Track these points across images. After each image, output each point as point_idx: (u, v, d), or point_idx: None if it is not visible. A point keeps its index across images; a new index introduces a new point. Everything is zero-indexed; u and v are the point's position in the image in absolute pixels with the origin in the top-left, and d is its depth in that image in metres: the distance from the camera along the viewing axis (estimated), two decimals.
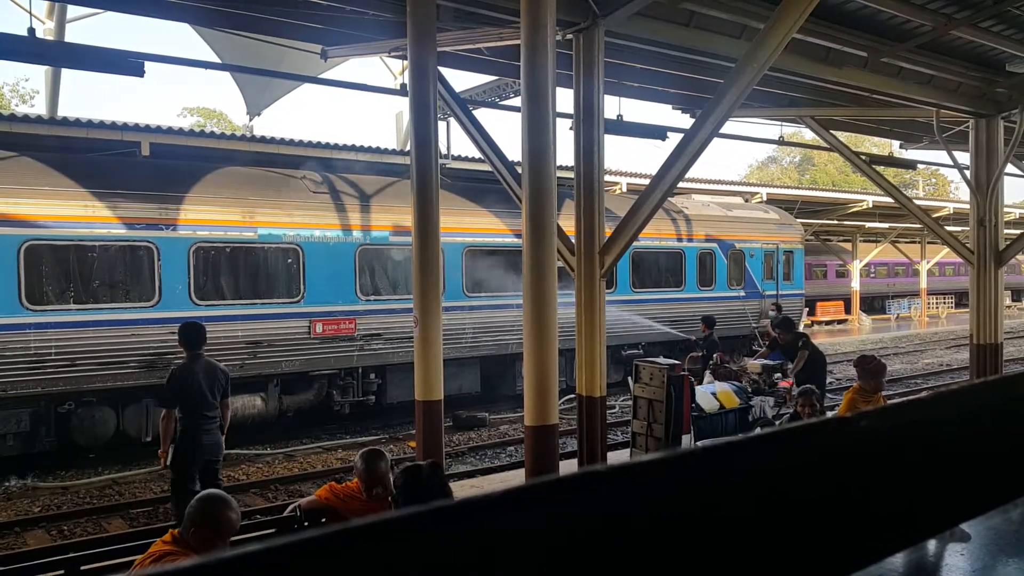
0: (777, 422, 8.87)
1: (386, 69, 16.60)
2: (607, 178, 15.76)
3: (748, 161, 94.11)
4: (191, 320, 7.76)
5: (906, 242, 36.10)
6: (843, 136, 13.83)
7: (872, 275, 37.33)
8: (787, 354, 10.61)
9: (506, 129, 49.73)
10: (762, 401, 9.47)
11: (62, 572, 6.58)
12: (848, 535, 0.47)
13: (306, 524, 4.20)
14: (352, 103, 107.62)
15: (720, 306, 17.10)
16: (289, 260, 11.55)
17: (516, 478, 9.39)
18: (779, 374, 10.12)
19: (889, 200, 14.44)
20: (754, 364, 10.36)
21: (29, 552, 7.40)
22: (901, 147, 15.35)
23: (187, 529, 3.17)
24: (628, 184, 18.63)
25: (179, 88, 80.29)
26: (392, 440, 11.80)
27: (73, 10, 13.45)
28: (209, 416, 6.69)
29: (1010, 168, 12.87)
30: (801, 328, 20.73)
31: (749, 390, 9.72)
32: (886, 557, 0.48)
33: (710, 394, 9.14)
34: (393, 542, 0.34)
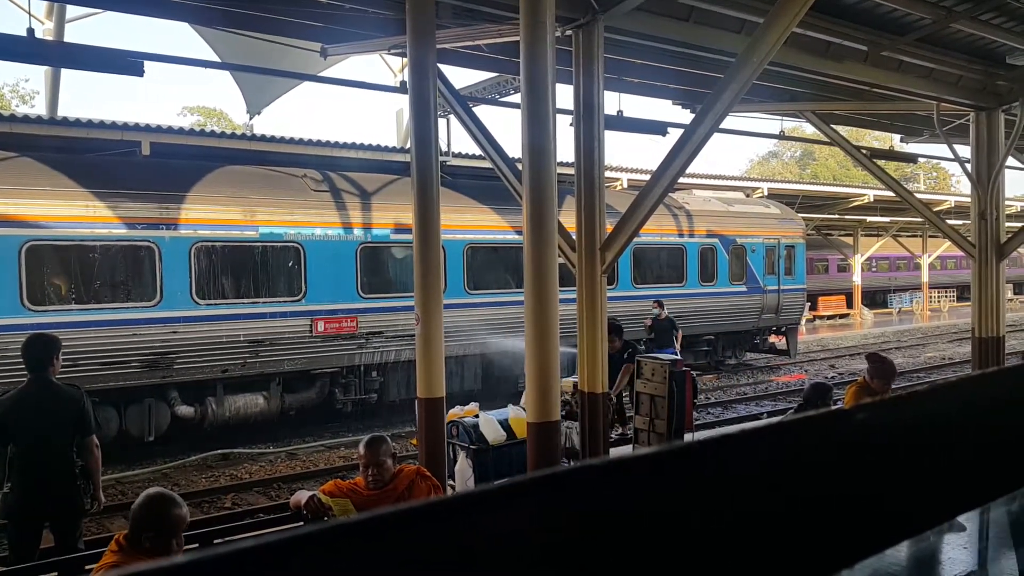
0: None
1: (386, 67, 16.58)
2: (608, 174, 15.77)
3: (749, 156, 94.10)
4: (35, 333, 6.03)
5: (907, 236, 36.10)
6: (844, 130, 13.79)
7: (874, 269, 37.32)
8: (614, 366, 8.82)
9: (506, 126, 49.69)
10: (569, 428, 7.73)
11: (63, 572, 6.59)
12: (847, 527, 0.47)
13: (307, 516, 4.21)
14: (352, 101, 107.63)
15: (722, 302, 17.11)
16: (290, 259, 11.55)
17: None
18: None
19: (890, 194, 14.39)
20: (567, 382, 7.98)
21: None
22: (902, 141, 15.35)
23: (137, 535, 3.03)
24: (629, 180, 18.62)
25: (179, 87, 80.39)
26: (395, 438, 11.81)
27: (72, 10, 13.44)
28: (44, 462, 5.27)
29: (1011, 161, 12.86)
30: (803, 322, 20.61)
31: (561, 414, 8.00)
32: (885, 549, 0.48)
33: (497, 422, 7.41)
34: (387, 538, 0.34)
